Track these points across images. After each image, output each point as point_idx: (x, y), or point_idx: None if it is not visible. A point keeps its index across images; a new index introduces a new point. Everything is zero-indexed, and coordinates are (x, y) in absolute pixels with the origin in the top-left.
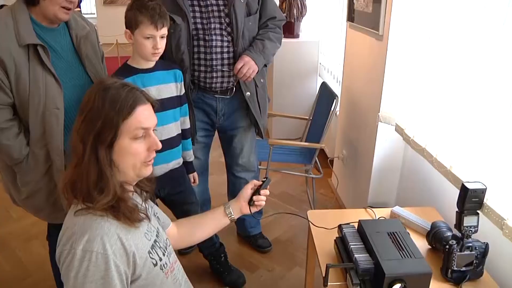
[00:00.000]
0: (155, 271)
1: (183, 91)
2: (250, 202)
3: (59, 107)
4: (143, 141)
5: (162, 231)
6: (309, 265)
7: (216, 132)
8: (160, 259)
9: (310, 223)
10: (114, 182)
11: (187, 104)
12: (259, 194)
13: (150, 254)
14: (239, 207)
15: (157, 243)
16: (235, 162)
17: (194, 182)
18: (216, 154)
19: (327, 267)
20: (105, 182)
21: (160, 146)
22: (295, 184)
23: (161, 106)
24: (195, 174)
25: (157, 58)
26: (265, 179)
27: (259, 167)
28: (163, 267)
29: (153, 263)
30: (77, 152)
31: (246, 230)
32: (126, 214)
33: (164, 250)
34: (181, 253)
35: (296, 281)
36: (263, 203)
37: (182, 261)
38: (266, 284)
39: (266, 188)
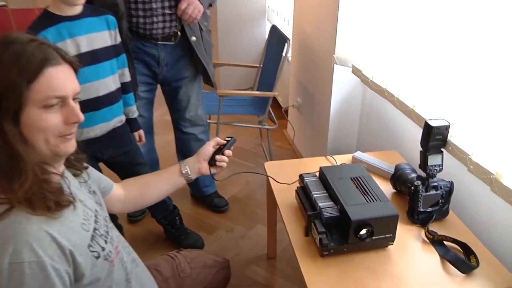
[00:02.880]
0: (99, 264)
1: (119, 39)
2: (211, 162)
3: None
4: (59, 111)
5: (101, 210)
6: (270, 221)
7: (159, 87)
8: (103, 249)
9: (268, 178)
10: (31, 161)
11: (124, 54)
12: (222, 154)
13: (91, 248)
14: (197, 167)
15: (96, 231)
16: (181, 117)
17: (140, 140)
18: (161, 112)
19: (309, 218)
20: (20, 162)
21: (82, 118)
22: (249, 138)
23: (95, 57)
24: (141, 131)
25: (84, 0)
26: (229, 138)
27: (209, 121)
28: (107, 257)
29: (95, 256)
30: None
31: (200, 190)
32: (53, 198)
33: (106, 237)
34: (131, 220)
35: (258, 238)
36: (225, 164)
37: (133, 229)
38: (227, 245)
39: (230, 149)
